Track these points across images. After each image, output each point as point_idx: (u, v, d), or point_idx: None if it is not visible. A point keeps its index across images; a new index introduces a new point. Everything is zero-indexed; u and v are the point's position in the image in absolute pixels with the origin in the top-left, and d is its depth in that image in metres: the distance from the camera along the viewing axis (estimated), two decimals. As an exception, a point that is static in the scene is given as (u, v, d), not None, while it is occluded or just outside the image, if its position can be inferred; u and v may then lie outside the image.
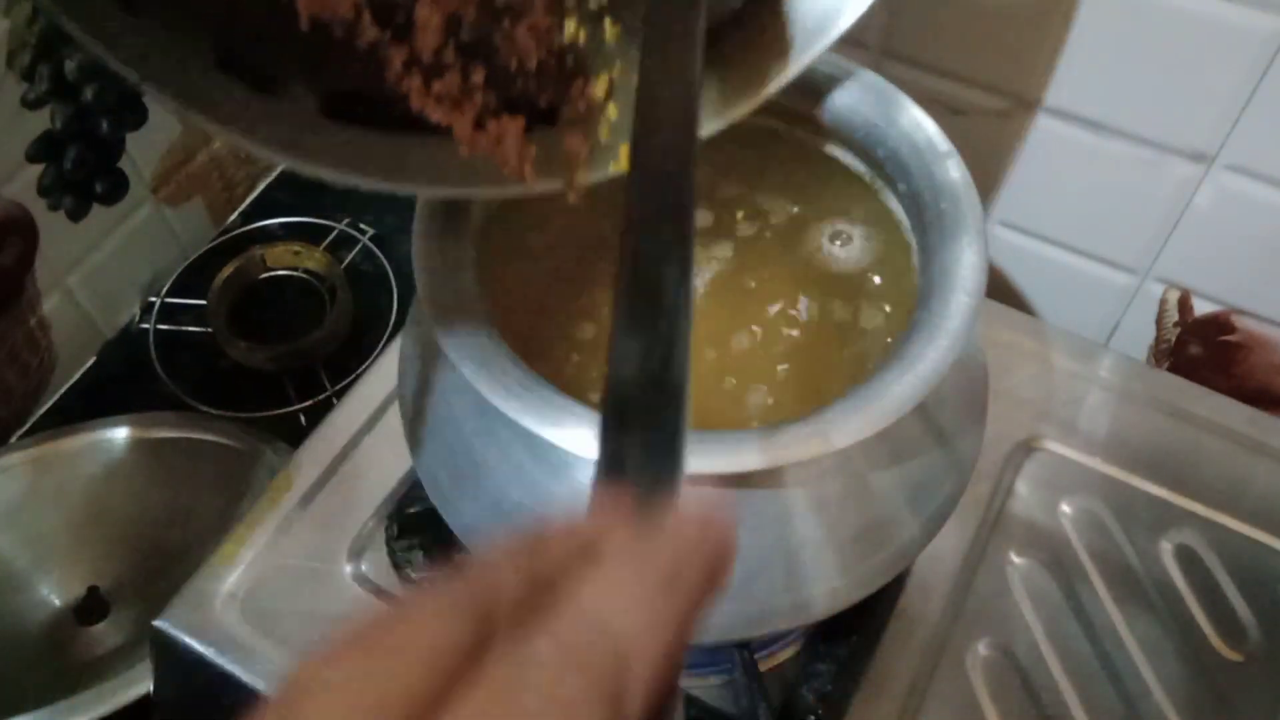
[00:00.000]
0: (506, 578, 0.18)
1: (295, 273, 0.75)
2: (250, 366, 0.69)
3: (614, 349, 0.22)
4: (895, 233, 0.41)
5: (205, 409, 0.68)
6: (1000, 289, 0.61)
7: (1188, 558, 0.50)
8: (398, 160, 0.34)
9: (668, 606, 0.18)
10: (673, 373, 0.21)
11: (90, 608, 0.60)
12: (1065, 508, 0.51)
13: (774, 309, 0.41)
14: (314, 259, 0.74)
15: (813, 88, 0.40)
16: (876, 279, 0.41)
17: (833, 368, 0.39)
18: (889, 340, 0.39)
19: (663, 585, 0.18)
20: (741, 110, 0.36)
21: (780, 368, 0.39)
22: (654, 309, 0.22)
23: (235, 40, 0.31)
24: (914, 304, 0.35)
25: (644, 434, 0.21)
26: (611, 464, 0.20)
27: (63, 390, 0.70)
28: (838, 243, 0.42)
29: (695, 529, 0.20)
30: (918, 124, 0.38)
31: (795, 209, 0.43)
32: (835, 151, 0.43)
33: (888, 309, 0.40)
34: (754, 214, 0.43)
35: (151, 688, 0.51)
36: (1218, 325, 0.56)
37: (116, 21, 0.29)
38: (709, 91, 0.35)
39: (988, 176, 0.56)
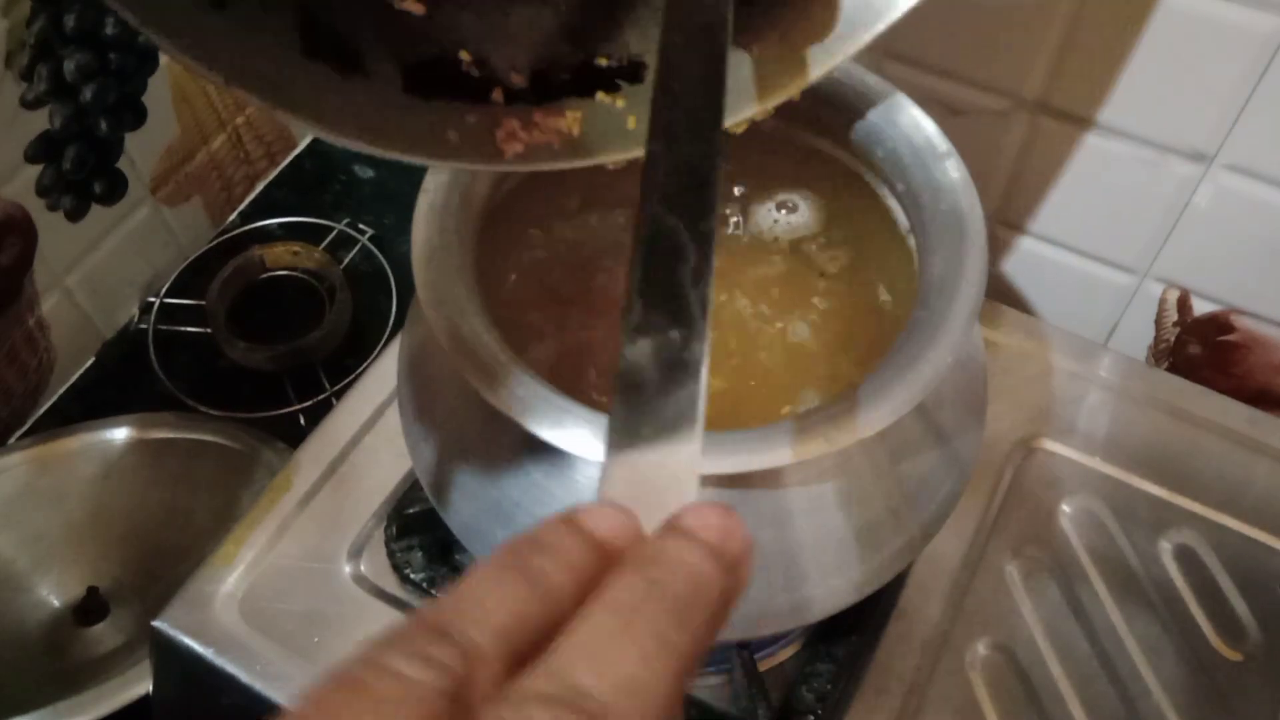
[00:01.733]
0: (494, 612, 0.17)
1: (294, 273, 0.75)
2: (249, 366, 0.69)
3: (629, 328, 0.21)
4: (895, 233, 0.41)
5: (204, 409, 0.68)
6: (1000, 289, 0.61)
7: (1187, 558, 0.50)
8: (485, 139, 0.34)
9: (671, 655, 0.17)
10: (692, 353, 0.21)
11: (90, 608, 0.60)
12: (1065, 508, 0.51)
13: (772, 306, 0.41)
14: (313, 259, 0.74)
15: (812, 87, 0.40)
16: (878, 281, 0.41)
17: (829, 362, 0.39)
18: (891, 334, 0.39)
19: (673, 623, 0.18)
20: (780, 96, 0.35)
21: (771, 364, 0.39)
22: (673, 292, 0.21)
23: (321, 14, 0.31)
24: (913, 304, 0.35)
25: (660, 402, 0.20)
26: (624, 432, 0.20)
27: (62, 390, 0.70)
28: (784, 211, 0.42)
29: (710, 542, 0.19)
30: (917, 124, 0.38)
31: (821, 225, 0.43)
32: (834, 151, 0.43)
33: (889, 300, 0.40)
34: (750, 216, 0.43)
35: (151, 688, 0.51)
36: (1217, 325, 0.56)
37: (204, 25, 0.29)
38: (741, 72, 0.35)
39: (988, 176, 0.56)
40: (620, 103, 0.34)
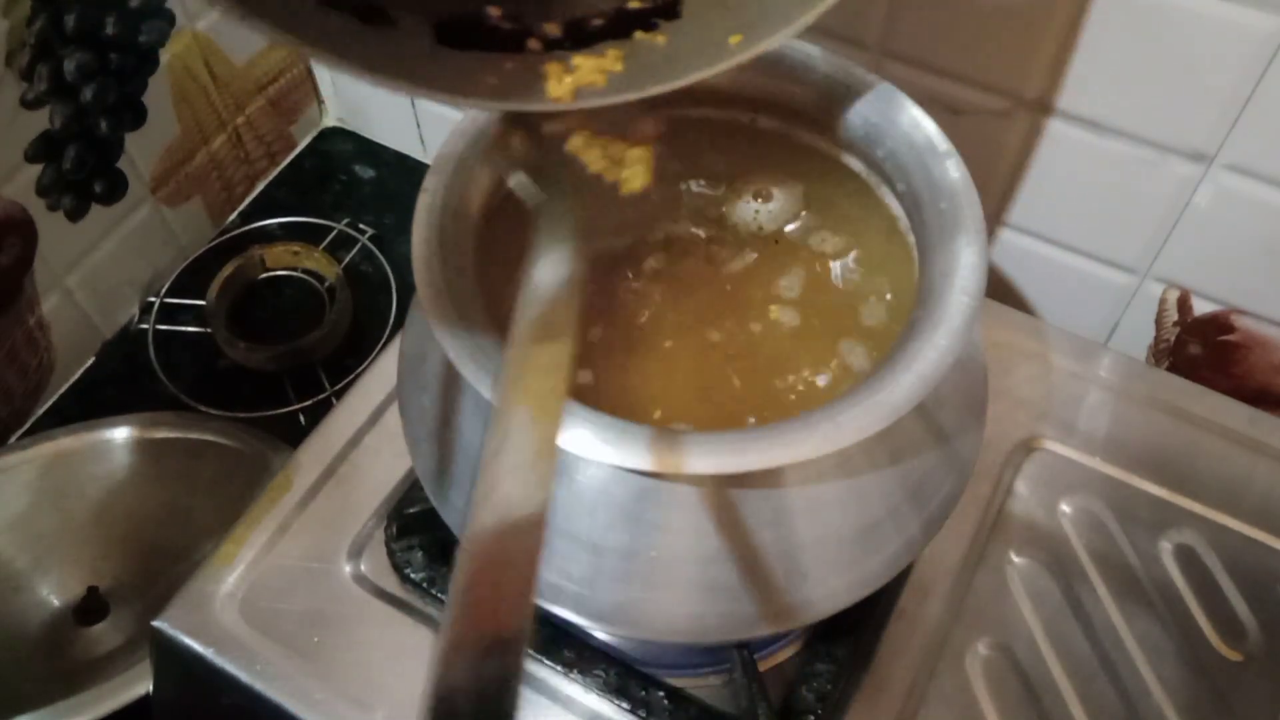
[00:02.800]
0: None
1: (294, 273, 0.75)
2: (250, 366, 0.69)
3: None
4: (895, 232, 0.41)
5: (204, 409, 0.68)
6: (1000, 289, 0.61)
7: (1187, 557, 0.50)
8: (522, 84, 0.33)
9: None
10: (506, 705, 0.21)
11: (90, 608, 0.60)
12: (1065, 507, 0.51)
13: (772, 304, 0.41)
14: (313, 259, 0.74)
15: (813, 87, 0.40)
16: (881, 284, 0.41)
17: (830, 360, 0.39)
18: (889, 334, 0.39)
19: None
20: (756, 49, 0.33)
21: (766, 361, 0.39)
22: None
23: None
24: (913, 304, 0.35)
25: None
26: None
27: (62, 390, 0.70)
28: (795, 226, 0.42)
29: None
30: (917, 124, 0.38)
31: (800, 211, 0.43)
32: (834, 151, 0.43)
33: (889, 299, 0.40)
34: (732, 210, 0.43)
35: (151, 688, 0.51)
36: (1217, 325, 0.56)
37: None
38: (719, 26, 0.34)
39: (988, 176, 0.56)
40: (660, 39, 0.33)
